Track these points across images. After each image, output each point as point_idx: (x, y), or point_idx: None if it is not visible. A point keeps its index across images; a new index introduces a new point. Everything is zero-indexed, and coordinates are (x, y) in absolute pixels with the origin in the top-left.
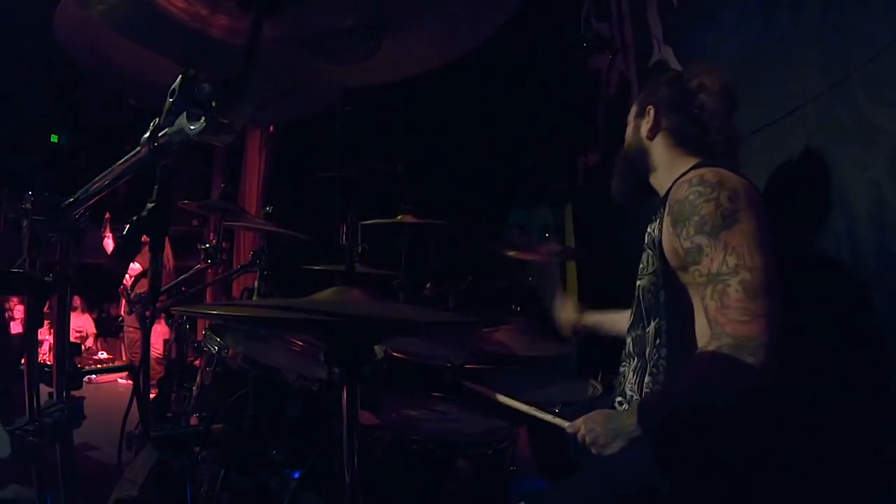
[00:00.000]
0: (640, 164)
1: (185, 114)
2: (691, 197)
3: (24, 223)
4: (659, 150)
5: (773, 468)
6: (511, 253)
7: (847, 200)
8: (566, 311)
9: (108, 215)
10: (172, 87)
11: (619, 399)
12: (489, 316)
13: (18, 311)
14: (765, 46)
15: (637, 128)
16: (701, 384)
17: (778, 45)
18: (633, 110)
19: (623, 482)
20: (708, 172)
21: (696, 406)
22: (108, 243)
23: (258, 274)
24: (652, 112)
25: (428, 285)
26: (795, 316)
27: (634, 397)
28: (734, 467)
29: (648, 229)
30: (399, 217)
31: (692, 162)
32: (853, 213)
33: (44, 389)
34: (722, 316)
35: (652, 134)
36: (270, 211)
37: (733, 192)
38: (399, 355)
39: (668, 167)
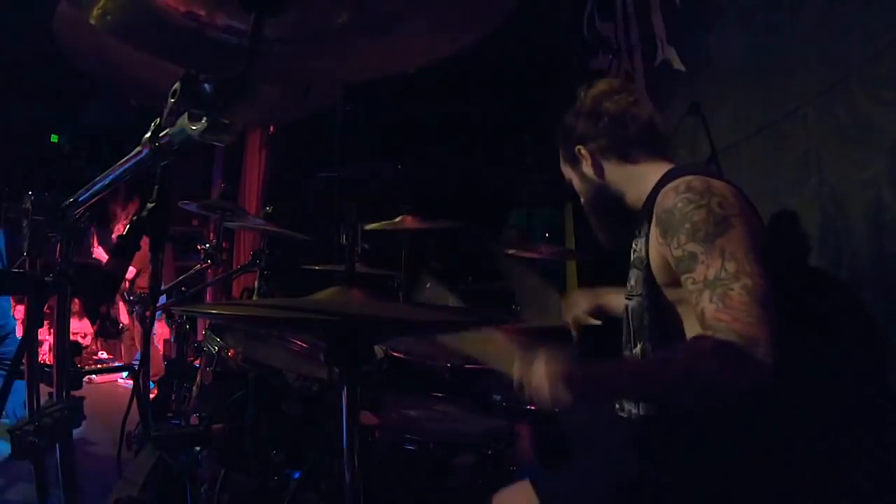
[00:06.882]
0: (608, 202)
1: (186, 114)
2: (680, 205)
3: (24, 223)
4: (615, 176)
5: (771, 464)
6: (510, 253)
7: (845, 200)
8: (574, 307)
9: (93, 226)
10: (174, 87)
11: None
12: (489, 316)
13: (18, 311)
14: (765, 46)
15: (581, 175)
16: (701, 370)
17: (778, 45)
18: (564, 165)
19: (622, 472)
20: (694, 180)
21: (686, 393)
22: (100, 252)
23: (258, 274)
24: (583, 150)
25: (428, 285)
26: (791, 315)
27: (633, 410)
28: (731, 461)
29: (634, 245)
30: (399, 218)
31: (655, 165)
32: (851, 214)
33: (44, 389)
34: (726, 315)
35: (598, 169)
36: (270, 211)
37: (723, 199)
38: (399, 355)
39: (634, 183)
